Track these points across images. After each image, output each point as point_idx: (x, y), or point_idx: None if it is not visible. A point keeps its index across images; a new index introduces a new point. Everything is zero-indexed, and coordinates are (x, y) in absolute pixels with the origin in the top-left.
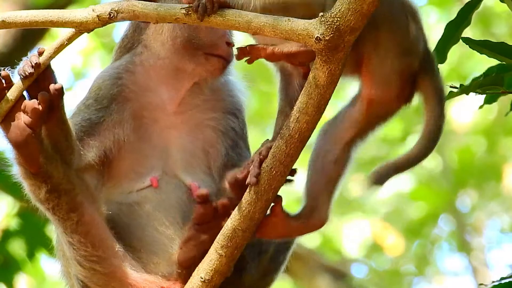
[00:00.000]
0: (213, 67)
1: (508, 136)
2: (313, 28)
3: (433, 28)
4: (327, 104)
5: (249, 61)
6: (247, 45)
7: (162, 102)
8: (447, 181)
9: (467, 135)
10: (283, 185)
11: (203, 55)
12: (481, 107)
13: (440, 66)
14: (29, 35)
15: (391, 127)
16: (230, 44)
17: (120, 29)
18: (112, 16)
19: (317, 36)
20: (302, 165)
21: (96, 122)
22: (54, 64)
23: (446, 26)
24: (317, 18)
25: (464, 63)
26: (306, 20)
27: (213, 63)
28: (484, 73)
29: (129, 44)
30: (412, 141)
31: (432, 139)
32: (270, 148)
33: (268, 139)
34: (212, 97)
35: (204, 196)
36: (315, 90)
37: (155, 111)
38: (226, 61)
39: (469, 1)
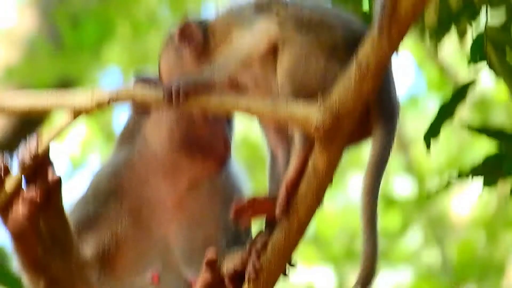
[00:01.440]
0: (210, 166)
1: (508, 229)
2: (312, 114)
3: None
4: (326, 191)
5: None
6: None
7: (160, 197)
8: (447, 276)
9: (466, 228)
10: (280, 276)
11: (200, 154)
12: (481, 194)
13: (438, 154)
14: (28, 125)
15: (390, 220)
16: (227, 143)
17: (119, 118)
18: (111, 100)
19: (316, 123)
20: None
21: (95, 217)
22: (52, 152)
23: (441, 104)
24: (316, 104)
25: (463, 154)
26: (305, 106)
27: (210, 162)
28: (483, 160)
29: (129, 137)
30: (412, 234)
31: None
32: (266, 242)
33: (262, 231)
34: (211, 190)
35: (212, 261)
36: (314, 178)
37: (154, 206)
38: (223, 160)
39: (465, 82)
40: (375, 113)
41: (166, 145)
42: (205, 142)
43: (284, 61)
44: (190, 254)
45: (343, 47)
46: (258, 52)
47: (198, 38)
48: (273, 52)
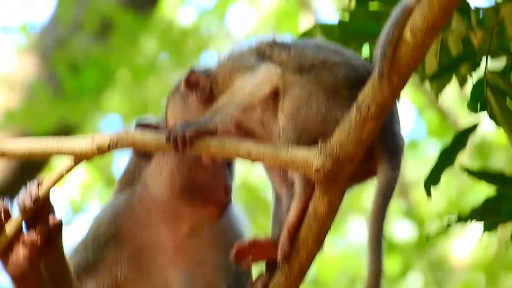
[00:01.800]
0: (210, 213)
1: (508, 272)
2: (312, 158)
3: (432, 160)
4: (326, 234)
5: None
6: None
7: (161, 241)
8: None
9: (466, 271)
10: None
11: (200, 200)
12: (481, 237)
13: (438, 198)
14: (28, 170)
15: (390, 263)
16: (228, 189)
17: (119, 163)
18: (112, 145)
19: (317, 167)
20: None
21: (94, 261)
22: (53, 196)
23: (441, 151)
24: (317, 148)
25: (463, 197)
26: (306, 150)
27: (210, 209)
28: (482, 203)
29: (130, 180)
30: (412, 277)
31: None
32: (266, 285)
33: (262, 274)
34: (212, 234)
35: None
36: (315, 221)
37: (154, 250)
38: (223, 207)
39: (465, 127)
40: (379, 148)
41: (167, 190)
42: (206, 189)
43: (285, 105)
44: None
45: (345, 85)
46: (260, 96)
47: (204, 86)
48: (274, 96)
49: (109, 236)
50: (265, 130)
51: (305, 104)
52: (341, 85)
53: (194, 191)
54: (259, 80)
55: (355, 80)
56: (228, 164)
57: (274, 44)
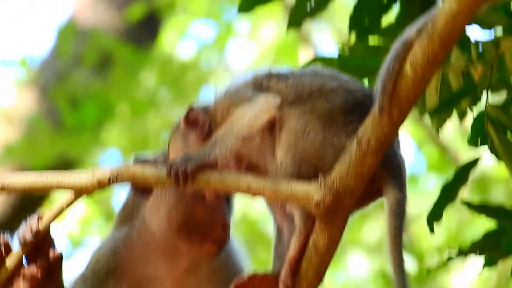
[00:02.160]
0: (208, 250)
1: None
2: (313, 192)
3: (432, 195)
4: (327, 268)
5: None
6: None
7: (159, 276)
8: None
9: None
10: None
11: (198, 238)
12: (481, 272)
13: (438, 233)
14: (28, 204)
15: None
16: (226, 227)
17: (118, 197)
18: (112, 180)
19: (317, 201)
20: None
21: None
22: (53, 230)
23: (443, 185)
24: (317, 182)
25: (463, 231)
26: (306, 184)
27: (208, 246)
28: (482, 237)
29: (129, 215)
30: None
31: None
32: None
33: None
34: (211, 269)
35: None
36: (315, 255)
37: (153, 285)
38: (221, 244)
39: (466, 162)
40: (382, 170)
41: (165, 227)
42: (204, 226)
43: (283, 138)
44: None
45: (341, 111)
46: (259, 126)
47: (203, 123)
48: (271, 128)
49: (108, 270)
50: (264, 163)
51: (302, 134)
52: (337, 112)
53: (192, 228)
54: (257, 110)
55: (352, 105)
56: (227, 199)
57: (270, 75)
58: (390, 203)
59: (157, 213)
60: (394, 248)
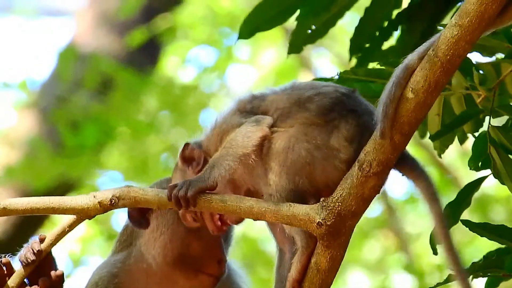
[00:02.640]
0: (203, 284)
1: None
2: (314, 213)
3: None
4: None
5: None
6: None
7: None
8: None
9: None
10: None
11: (193, 272)
12: None
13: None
14: (29, 223)
15: None
16: (222, 262)
17: (118, 216)
18: (114, 203)
19: (319, 221)
20: None
21: None
22: (54, 250)
23: (446, 207)
24: (318, 203)
25: (463, 250)
26: (307, 206)
27: (202, 280)
28: (483, 256)
29: (127, 240)
30: None
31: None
32: None
33: None
34: None
35: None
36: (317, 275)
37: None
38: (216, 278)
39: (469, 183)
40: (404, 167)
41: (161, 260)
42: (199, 262)
43: (271, 161)
44: None
45: (320, 113)
46: (252, 147)
47: (198, 158)
48: (259, 152)
49: None
50: (260, 189)
51: (288, 151)
52: (315, 116)
53: (188, 263)
54: (249, 130)
55: (329, 105)
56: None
57: (253, 97)
58: (425, 193)
59: (152, 246)
60: (444, 234)
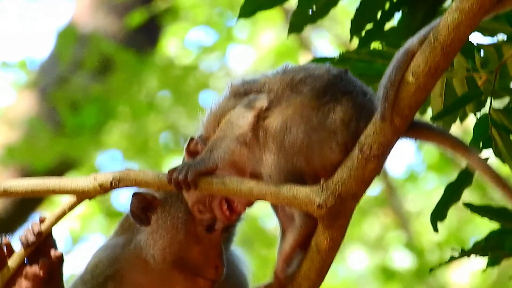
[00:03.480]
0: (201, 286)
1: None
2: (315, 195)
3: (432, 193)
4: (329, 269)
5: None
6: None
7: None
8: None
9: None
10: None
11: (191, 275)
12: (484, 270)
13: (439, 230)
14: (29, 200)
15: None
16: (219, 268)
17: (118, 194)
18: (114, 184)
19: (319, 203)
20: None
21: None
22: (54, 231)
23: (447, 186)
24: (319, 185)
25: (463, 228)
26: (308, 187)
27: (199, 283)
28: (485, 237)
29: (130, 226)
30: None
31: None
32: None
33: None
34: None
35: None
36: (317, 256)
37: None
38: (214, 282)
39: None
40: (419, 132)
41: (159, 260)
42: (197, 266)
43: (269, 142)
44: None
45: (313, 96)
46: (248, 125)
47: (202, 150)
48: (256, 136)
49: (107, 276)
50: (260, 169)
51: (285, 132)
52: (309, 99)
53: (185, 267)
54: (243, 109)
55: (322, 88)
56: (228, 227)
57: (245, 82)
58: (456, 147)
59: (152, 247)
60: (494, 176)
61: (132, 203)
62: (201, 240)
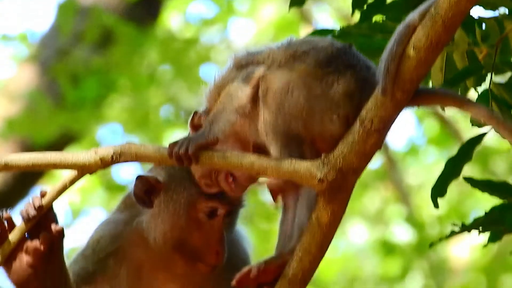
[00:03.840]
0: (201, 270)
1: (508, 274)
2: (315, 169)
3: (433, 167)
4: (330, 243)
5: None
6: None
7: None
8: None
9: (466, 272)
10: None
11: (191, 259)
12: (485, 246)
13: (439, 204)
14: (29, 175)
15: (390, 265)
16: (220, 253)
17: (118, 168)
18: (115, 159)
19: (320, 177)
20: None
21: (93, 273)
22: (55, 205)
23: (447, 161)
24: (319, 159)
25: (463, 202)
26: (309, 161)
27: (200, 268)
28: (486, 212)
29: (133, 206)
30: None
31: None
32: None
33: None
34: None
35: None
36: (318, 230)
37: (155, 269)
38: (213, 267)
39: (471, 138)
40: (429, 97)
41: (160, 243)
42: (197, 251)
43: (269, 99)
44: None
45: (317, 65)
46: (246, 97)
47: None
48: (255, 100)
49: (109, 252)
50: (260, 137)
51: (287, 93)
52: (313, 68)
53: (186, 251)
54: (241, 81)
55: (326, 59)
56: (230, 212)
57: (248, 53)
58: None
59: (153, 230)
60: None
61: (135, 185)
62: (202, 226)
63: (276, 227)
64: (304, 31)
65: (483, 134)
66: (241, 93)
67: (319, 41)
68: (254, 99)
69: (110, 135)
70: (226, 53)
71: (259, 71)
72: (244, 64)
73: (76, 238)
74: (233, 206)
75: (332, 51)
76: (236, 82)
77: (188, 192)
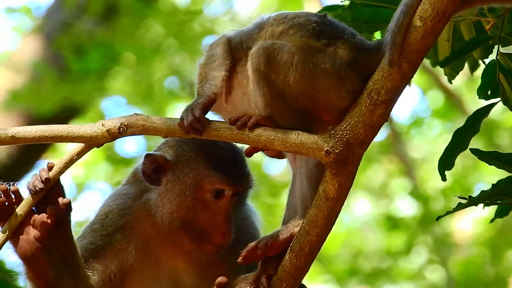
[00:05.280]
0: (207, 250)
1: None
2: (322, 141)
3: (437, 139)
4: (337, 216)
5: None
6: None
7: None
8: None
9: (470, 246)
10: None
11: (197, 239)
12: (492, 220)
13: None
14: (34, 146)
15: (395, 239)
16: (226, 234)
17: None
18: (122, 131)
19: (327, 149)
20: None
21: (101, 247)
22: (62, 179)
23: (454, 133)
24: (326, 132)
25: (468, 175)
26: (315, 134)
27: (206, 247)
28: (492, 184)
29: (143, 182)
30: (416, 252)
31: None
32: (277, 264)
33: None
34: None
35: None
36: (325, 203)
37: (162, 241)
38: (219, 248)
39: (477, 109)
40: None
41: (167, 222)
42: (204, 231)
43: (274, 67)
44: (200, 283)
45: (313, 36)
46: (219, 51)
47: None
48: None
49: (117, 227)
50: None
51: (291, 66)
52: (312, 40)
53: (193, 231)
54: (215, 42)
55: (320, 31)
56: (238, 193)
57: (236, 32)
58: None
59: (161, 209)
60: None
61: (144, 163)
62: (209, 206)
63: (280, 201)
64: (308, 4)
65: (491, 105)
66: (216, 49)
67: (311, 15)
68: (233, 53)
69: (114, 107)
70: (230, 25)
71: (229, 32)
72: (238, 41)
73: (80, 212)
74: (240, 187)
75: (313, 27)
76: (212, 43)
77: (195, 172)
